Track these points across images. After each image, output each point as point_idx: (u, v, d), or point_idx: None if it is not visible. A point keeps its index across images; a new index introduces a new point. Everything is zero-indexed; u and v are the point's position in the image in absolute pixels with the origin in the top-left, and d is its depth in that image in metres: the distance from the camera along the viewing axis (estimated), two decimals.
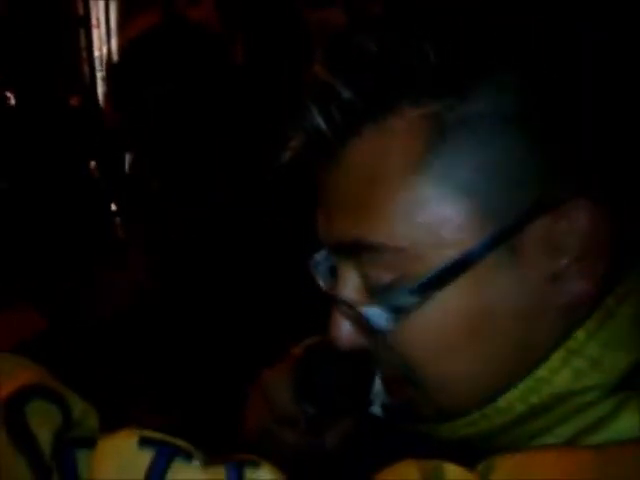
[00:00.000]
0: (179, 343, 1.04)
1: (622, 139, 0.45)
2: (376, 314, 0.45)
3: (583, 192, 0.43)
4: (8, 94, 2.14)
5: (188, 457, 0.36)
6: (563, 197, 0.43)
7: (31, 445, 0.34)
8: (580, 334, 0.44)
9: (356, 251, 0.46)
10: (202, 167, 1.13)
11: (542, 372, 0.44)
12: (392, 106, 0.43)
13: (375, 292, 0.45)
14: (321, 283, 0.51)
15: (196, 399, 0.43)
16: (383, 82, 0.43)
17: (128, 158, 2.01)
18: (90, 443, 0.36)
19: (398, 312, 0.44)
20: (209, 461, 0.37)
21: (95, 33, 2.33)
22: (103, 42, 2.35)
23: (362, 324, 0.46)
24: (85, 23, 2.32)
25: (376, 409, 0.53)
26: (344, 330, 0.48)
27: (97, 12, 2.31)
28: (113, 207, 2.08)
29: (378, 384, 0.52)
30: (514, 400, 0.45)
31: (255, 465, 0.37)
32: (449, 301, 0.43)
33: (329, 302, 0.50)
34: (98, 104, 2.28)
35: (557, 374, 0.44)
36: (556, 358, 0.44)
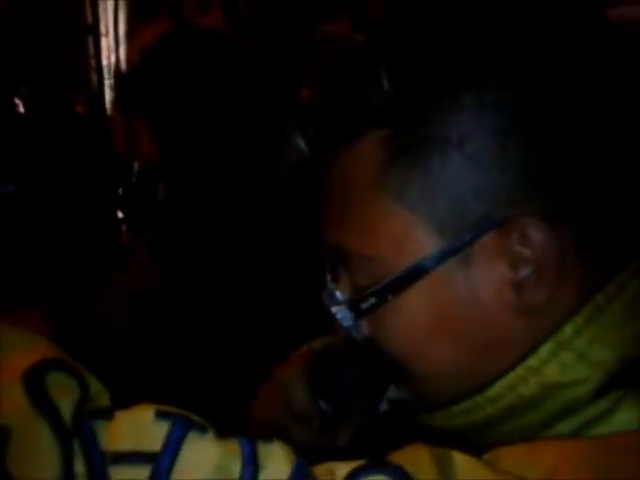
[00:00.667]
0: (182, 344, 1.05)
1: (572, 158, 0.48)
2: (342, 314, 0.51)
3: (531, 209, 0.46)
4: (17, 101, 2.16)
5: (203, 430, 0.38)
6: (509, 214, 0.46)
7: (53, 412, 0.35)
8: (568, 328, 0.46)
9: (341, 258, 0.51)
10: (205, 170, 1.14)
11: (531, 362, 0.46)
12: (358, 131, 0.49)
13: (353, 295, 0.51)
14: (328, 284, 0.55)
15: (199, 400, 0.44)
16: (349, 110, 0.49)
17: (135, 165, 2.02)
18: (107, 415, 0.37)
19: (359, 313, 0.50)
20: (222, 436, 0.38)
21: (103, 42, 2.35)
22: (111, 50, 2.37)
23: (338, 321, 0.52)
24: (94, 31, 2.34)
25: (383, 405, 0.55)
26: (341, 330, 0.52)
27: (106, 21, 2.33)
28: (119, 214, 2.09)
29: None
30: (503, 389, 0.47)
31: (268, 440, 0.39)
32: (411, 305, 0.48)
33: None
34: (105, 111, 2.29)
35: (545, 365, 0.46)
36: (545, 350, 0.46)
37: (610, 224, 0.49)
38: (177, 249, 1.15)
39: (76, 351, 0.40)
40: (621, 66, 0.49)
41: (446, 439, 0.43)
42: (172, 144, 1.14)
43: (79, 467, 0.35)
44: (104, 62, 2.34)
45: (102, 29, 2.32)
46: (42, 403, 0.35)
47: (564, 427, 0.46)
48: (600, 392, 0.46)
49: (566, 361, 0.46)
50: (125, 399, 0.39)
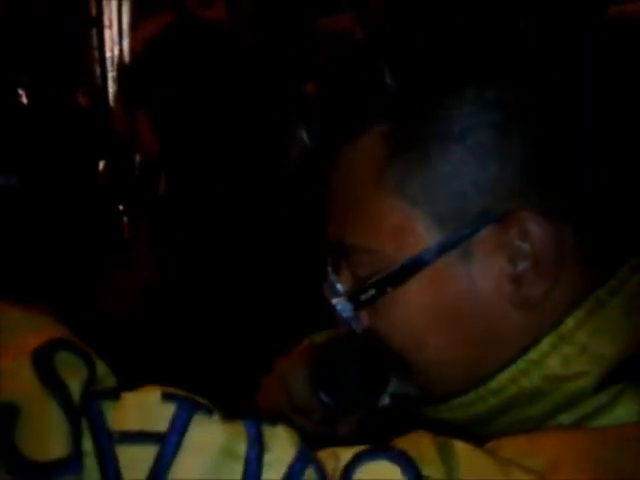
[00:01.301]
0: (183, 338, 1.05)
1: (571, 153, 0.48)
2: (342, 306, 0.52)
3: (531, 203, 0.46)
4: (20, 92, 2.16)
5: (208, 412, 0.38)
6: (509, 209, 0.46)
7: (62, 391, 0.35)
8: (569, 321, 0.47)
9: (343, 251, 0.51)
10: (206, 162, 1.14)
11: (533, 355, 0.47)
12: (361, 126, 0.49)
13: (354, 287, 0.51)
14: (330, 278, 0.55)
15: (201, 392, 0.44)
16: (352, 106, 0.49)
17: (137, 158, 2.02)
18: (114, 395, 0.37)
19: (359, 305, 0.51)
20: (227, 419, 0.38)
21: (107, 34, 2.35)
22: (115, 43, 2.37)
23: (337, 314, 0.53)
24: (97, 24, 2.34)
25: (385, 399, 0.55)
26: (340, 320, 0.53)
27: (110, 13, 2.33)
28: (120, 207, 2.09)
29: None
30: (505, 381, 0.47)
31: (272, 423, 0.39)
32: (411, 297, 0.49)
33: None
34: (109, 104, 2.29)
35: (547, 358, 0.47)
36: (546, 343, 0.47)
37: (609, 219, 0.49)
38: (177, 242, 1.15)
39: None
40: (620, 63, 0.50)
41: (448, 432, 0.43)
42: (173, 137, 1.14)
43: (87, 445, 0.35)
44: (107, 54, 2.34)
45: (106, 21, 2.32)
46: (51, 382, 0.35)
47: (564, 419, 0.47)
48: (601, 385, 0.46)
49: (568, 354, 0.46)
50: (127, 386, 0.39)
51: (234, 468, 0.37)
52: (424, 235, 0.48)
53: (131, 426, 0.36)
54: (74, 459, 0.35)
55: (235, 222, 1.10)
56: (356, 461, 0.38)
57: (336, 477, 0.38)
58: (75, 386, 0.36)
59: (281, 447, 0.38)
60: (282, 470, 0.37)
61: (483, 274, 0.47)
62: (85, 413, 0.36)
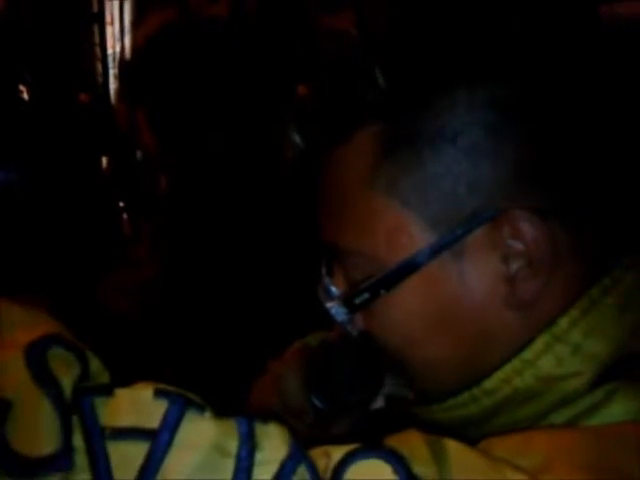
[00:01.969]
0: (183, 335, 1.05)
1: (564, 152, 0.49)
2: (336, 310, 0.51)
3: (523, 203, 0.47)
4: (21, 88, 2.16)
5: (201, 409, 0.38)
6: (501, 208, 0.46)
7: (54, 387, 0.36)
8: (563, 321, 0.47)
9: (336, 253, 0.52)
10: (204, 158, 1.15)
11: (526, 355, 0.47)
12: (352, 127, 0.49)
13: (348, 290, 0.51)
14: (324, 280, 0.56)
15: (198, 389, 0.44)
16: (345, 105, 0.49)
17: (139, 155, 2.02)
18: (107, 391, 0.38)
19: (353, 309, 0.50)
20: (219, 417, 0.39)
21: (109, 30, 2.35)
22: (116, 40, 2.37)
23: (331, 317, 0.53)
24: (99, 20, 2.34)
25: (379, 402, 0.56)
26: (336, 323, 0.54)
27: (111, 9, 2.33)
28: (121, 204, 2.09)
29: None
30: (499, 381, 0.48)
31: (264, 421, 0.39)
32: (405, 299, 0.49)
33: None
34: (110, 101, 2.29)
35: (540, 358, 0.47)
36: (540, 342, 0.47)
37: (602, 218, 0.50)
38: (177, 240, 1.16)
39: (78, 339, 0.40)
40: (614, 61, 0.50)
41: (440, 433, 0.43)
42: (171, 134, 1.15)
43: (78, 441, 0.36)
44: (109, 51, 2.34)
45: (107, 18, 2.32)
46: (43, 377, 0.36)
47: (557, 418, 0.47)
48: (594, 385, 0.46)
49: (561, 354, 0.47)
50: (125, 383, 0.39)
51: (225, 465, 0.37)
52: (417, 237, 0.48)
53: (123, 422, 0.37)
54: (64, 455, 0.35)
55: (234, 220, 1.11)
56: (347, 459, 0.39)
57: (327, 475, 0.38)
58: (67, 382, 0.36)
59: (273, 445, 0.38)
60: (273, 468, 0.37)
61: (476, 274, 0.47)
62: (77, 409, 0.36)
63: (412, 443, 0.41)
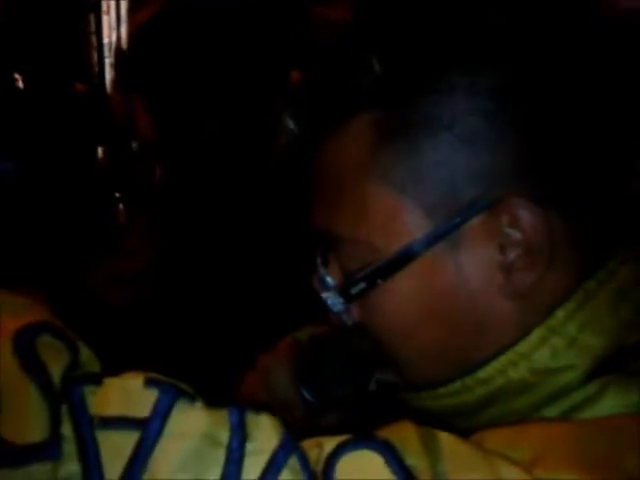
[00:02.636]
0: (175, 327, 1.05)
1: (562, 141, 0.48)
2: (332, 300, 0.51)
3: (522, 192, 0.46)
4: (17, 77, 2.15)
5: (191, 399, 0.38)
6: (499, 196, 0.46)
7: (42, 375, 0.35)
8: (560, 313, 0.47)
9: (331, 242, 0.51)
10: (202, 147, 1.14)
11: (522, 347, 0.47)
12: (348, 112, 0.48)
13: (343, 279, 0.51)
14: (319, 270, 0.55)
15: (191, 378, 0.44)
16: (339, 92, 0.48)
17: (134, 145, 2.02)
18: (96, 380, 0.37)
19: (349, 299, 0.50)
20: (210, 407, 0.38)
21: (105, 20, 2.34)
22: (112, 29, 2.35)
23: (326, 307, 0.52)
24: (95, 9, 2.33)
25: (371, 386, 0.56)
26: (330, 314, 0.53)
27: None
28: (116, 194, 2.09)
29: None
30: (493, 372, 0.47)
31: (256, 411, 0.39)
32: (401, 289, 0.48)
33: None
34: (106, 91, 2.28)
35: (536, 350, 0.46)
36: (536, 335, 0.47)
37: (600, 209, 0.49)
38: (170, 230, 1.15)
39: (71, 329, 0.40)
40: (613, 52, 0.49)
41: (431, 421, 0.43)
42: (169, 123, 1.14)
43: (66, 430, 0.35)
44: (105, 40, 2.33)
45: (104, 7, 2.31)
46: (31, 365, 0.35)
47: (550, 411, 0.47)
48: (588, 378, 0.46)
49: (557, 347, 0.46)
50: (115, 373, 0.39)
51: (216, 455, 0.37)
52: (413, 225, 0.47)
53: (112, 411, 0.36)
54: (53, 443, 0.35)
55: (227, 209, 1.10)
56: (339, 450, 0.38)
57: (319, 466, 0.38)
58: (56, 370, 0.36)
59: (264, 435, 0.38)
60: (265, 458, 0.37)
61: (473, 263, 0.47)
62: (66, 397, 0.35)
63: (404, 434, 0.40)
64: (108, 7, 2.32)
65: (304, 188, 0.53)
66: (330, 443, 0.39)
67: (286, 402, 0.62)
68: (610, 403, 0.45)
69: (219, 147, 1.13)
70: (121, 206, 2.07)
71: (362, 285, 0.49)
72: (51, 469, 0.34)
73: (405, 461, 0.38)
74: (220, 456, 0.36)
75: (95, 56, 2.33)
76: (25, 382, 0.35)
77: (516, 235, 0.46)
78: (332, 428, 0.60)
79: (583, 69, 0.48)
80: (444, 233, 0.47)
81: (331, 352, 0.59)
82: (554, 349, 0.46)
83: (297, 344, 0.66)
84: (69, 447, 0.35)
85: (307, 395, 0.61)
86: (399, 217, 0.47)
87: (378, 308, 0.49)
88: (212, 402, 0.39)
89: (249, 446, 0.37)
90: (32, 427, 0.34)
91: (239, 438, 0.37)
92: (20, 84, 2.20)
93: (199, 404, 0.38)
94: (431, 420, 0.43)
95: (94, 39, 2.32)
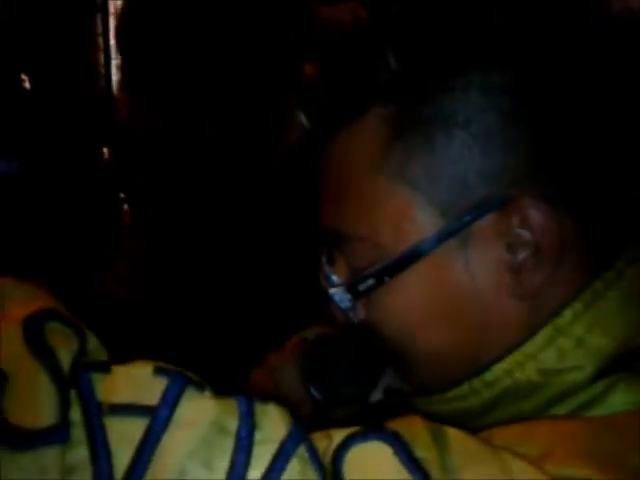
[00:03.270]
0: (179, 325, 1.05)
1: (574, 141, 0.48)
2: (340, 297, 0.50)
3: (533, 191, 0.46)
4: (23, 77, 2.15)
5: (200, 387, 0.38)
6: (511, 196, 0.46)
7: (51, 360, 0.35)
8: (567, 313, 0.47)
9: (338, 240, 0.51)
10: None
11: (529, 348, 0.47)
12: (360, 108, 0.48)
13: (350, 277, 0.50)
14: (324, 268, 0.54)
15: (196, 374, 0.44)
16: (352, 86, 0.48)
17: (140, 145, 2.02)
18: (105, 368, 0.37)
19: (357, 295, 0.49)
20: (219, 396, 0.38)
21: (112, 21, 2.34)
22: None
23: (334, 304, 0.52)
24: (102, 10, 2.34)
25: (377, 394, 0.55)
26: (338, 312, 0.52)
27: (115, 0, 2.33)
28: (121, 194, 2.09)
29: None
30: (501, 373, 0.47)
31: (264, 401, 0.39)
32: (409, 287, 0.48)
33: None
34: (112, 92, 2.29)
35: (543, 351, 0.46)
36: (543, 335, 0.46)
37: (608, 209, 0.49)
38: (174, 230, 1.16)
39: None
40: (626, 52, 0.49)
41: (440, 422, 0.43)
42: (171, 123, 1.14)
43: (75, 415, 0.35)
44: (112, 42, 2.33)
45: (111, 8, 2.32)
46: (40, 350, 0.35)
47: (557, 411, 0.47)
48: (595, 378, 0.46)
49: (564, 347, 0.46)
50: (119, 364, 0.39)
51: (225, 444, 0.37)
52: (424, 223, 0.47)
53: (121, 399, 0.36)
54: (61, 428, 0.35)
55: (233, 209, 1.10)
56: (349, 441, 0.38)
57: (328, 457, 0.38)
58: (65, 356, 0.36)
59: (273, 425, 0.38)
60: (273, 448, 0.37)
61: (482, 262, 0.47)
62: (74, 383, 0.35)
63: (413, 428, 0.40)
64: (115, 9, 2.33)
65: (312, 185, 0.53)
66: (339, 434, 0.39)
67: (294, 400, 0.62)
68: (617, 401, 0.45)
69: (220, 146, 1.13)
70: (125, 206, 2.07)
71: (370, 282, 0.48)
72: (59, 453, 0.34)
73: (414, 453, 0.38)
74: (229, 444, 0.36)
75: (102, 57, 2.34)
76: (34, 367, 0.35)
77: (526, 235, 0.46)
78: (340, 423, 0.60)
79: (595, 68, 0.48)
80: (454, 231, 0.46)
81: (338, 350, 0.59)
82: (561, 350, 0.46)
83: (304, 343, 0.66)
84: (77, 432, 0.35)
85: (315, 393, 0.61)
86: (409, 214, 0.47)
87: (385, 306, 0.49)
88: (217, 393, 0.39)
89: (258, 435, 0.37)
90: (41, 412, 0.34)
91: (248, 427, 0.37)
92: (26, 85, 2.21)
93: (208, 393, 0.38)
94: (439, 422, 0.43)
95: (101, 40, 2.32)
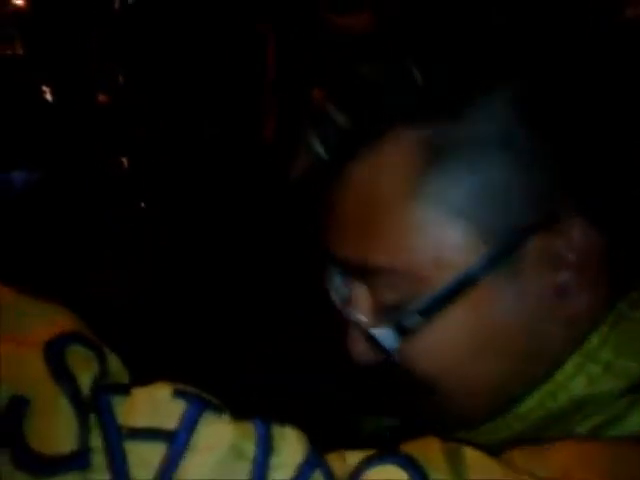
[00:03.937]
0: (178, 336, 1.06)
1: (618, 159, 0.46)
2: (384, 335, 0.46)
3: (577, 211, 0.44)
4: (44, 88, 2.18)
5: (218, 410, 0.38)
6: (557, 216, 0.44)
7: (72, 384, 0.35)
8: (594, 339, 0.46)
9: (362, 272, 0.47)
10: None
11: (559, 377, 0.46)
12: (385, 130, 0.44)
13: (383, 312, 0.47)
14: (335, 299, 0.51)
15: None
16: (374, 107, 0.44)
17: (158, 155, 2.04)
18: (124, 391, 0.37)
19: (404, 332, 0.46)
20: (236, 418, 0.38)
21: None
22: None
23: (372, 343, 0.48)
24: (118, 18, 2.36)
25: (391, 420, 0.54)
26: (360, 347, 0.49)
27: None
28: (142, 204, 2.10)
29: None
30: (533, 405, 0.46)
31: (282, 424, 0.39)
32: (454, 319, 0.45)
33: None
34: (130, 100, 2.31)
35: (572, 380, 0.45)
36: (571, 364, 0.46)
37: (634, 227, 0.48)
38: (174, 231, 1.16)
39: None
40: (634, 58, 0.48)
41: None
42: (172, 124, 1.15)
43: (95, 440, 0.35)
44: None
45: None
46: (61, 375, 0.35)
47: (580, 428, 0.46)
48: (619, 395, 0.45)
49: (593, 374, 0.45)
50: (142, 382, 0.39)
51: (242, 468, 0.37)
52: (468, 250, 0.44)
53: (141, 422, 0.36)
54: (82, 454, 0.35)
55: (231, 210, 1.11)
56: (364, 465, 0.38)
57: None
58: (85, 380, 0.36)
59: (289, 449, 0.38)
60: (289, 472, 0.37)
61: (529, 287, 0.44)
62: (95, 408, 0.36)
63: (429, 450, 0.40)
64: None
65: (325, 217, 0.48)
66: (354, 457, 0.39)
67: None
68: (636, 421, 0.44)
69: (219, 147, 1.14)
70: (145, 215, 2.08)
71: (416, 318, 0.45)
72: (80, 479, 0.35)
73: (429, 477, 0.38)
74: (245, 469, 0.36)
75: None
76: (55, 392, 0.35)
77: (571, 257, 0.44)
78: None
79: (612, 77, 0.47)
80: (502, 257, 0.44)
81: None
82: (590, 376, 0.45)
83: None
84: (98, 457, 0.35)
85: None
86: (452, 242, 0.44)
87: (429, 340, 0.46)
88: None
89: (274, 459, 0.37)
90: (61, 438, 0.35)
91: (264, 451, 0.37)
92: (47, 96, 2.23)
93: (226, 416, 0.38)
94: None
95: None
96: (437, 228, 0.44)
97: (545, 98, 0.44)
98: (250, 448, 0.37)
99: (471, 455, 0.40)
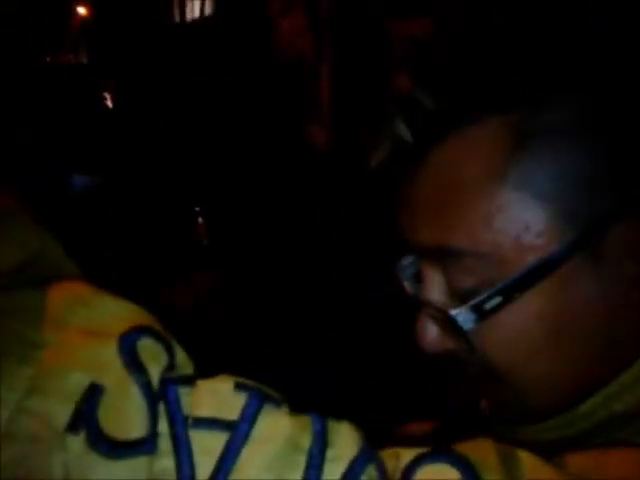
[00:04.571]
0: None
1: None
2: (462, 316, 0.46)
3: None
4: (105, 95, 2.24)
5: (277, 403, 0.39)
6: (633, 202, 0.44)
7: (143, 375, 0.37)
8: None
9: (440, 256, 0.47)
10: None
11: (625, 379, 0.45)
12: (474, 116, 0.45)
13: (460, 295, 0.47)
14: (407, 287, 0.52)
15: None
16: (465, 93, 0.45)
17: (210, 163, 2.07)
18: (190, 382, 0.39)
19: (483, 314, 0.45)
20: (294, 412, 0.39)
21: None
22: None
23: (448, 327, 0.47)
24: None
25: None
26: (431, 334, 0.49)
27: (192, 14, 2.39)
28: (197, 208, 2.14)
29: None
30: (597, 405, 0.45)
31: (337, 420, 0.39)
32: (532, 304, 0.45)
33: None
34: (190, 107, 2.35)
35: (638, 381, 0.45)
36: (638, 366, 0.45)
37: None
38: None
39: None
40: None
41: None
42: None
43: (163, 428, 0.37)
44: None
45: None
46: (134, 366, 0.37)
47: (619, 435, 0.45)
48: None
49: None
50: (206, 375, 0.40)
51: (298, 460, 0.37)
52: (552, 235, 0.44)
53: (205, 413, 0.38)
54: (150, 440, 0.37)
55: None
56: (416, 462, 0.38)
57: (396, 477, 0.38)
58: (155, 371, 0.38)
59: (344, 443, 0.39)
60: (343, 466, 0.38)
61: (613, 276, 0.44)
62: (163, 397, 0.37)
63: (482, 450, 0.39)
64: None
65: (402, 203, 0.48)
66: (408, 454, 0.39)
67: None
68: None
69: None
70: (201, 220, 2.12)
71: (497, 300, 0.44)
72: (147, 463, 0.36)
73: (481, 477, 0.38)
74: (302, 461, 0.37)
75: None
76: (127, 381, 0.37)
77: None
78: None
79: None
80: (585, 243, 0.43)
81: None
82: None
83: None
84: (164, 444, 0.37)
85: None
86: (537, 226, 0.44)
87: (507, 326, 0.45)
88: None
89: (329, 453, 0.38)
90: (132, 424, 0.36)
91: (320, 445, 0.38)
92: (109, 102, 2.29)
93: (284, 409, 0.39)
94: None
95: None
96: (522, 211, 0.44)
97: (613, 95, 0.45)
98: (306, 441, 0.38)
99: (524, 457, 0.39)
